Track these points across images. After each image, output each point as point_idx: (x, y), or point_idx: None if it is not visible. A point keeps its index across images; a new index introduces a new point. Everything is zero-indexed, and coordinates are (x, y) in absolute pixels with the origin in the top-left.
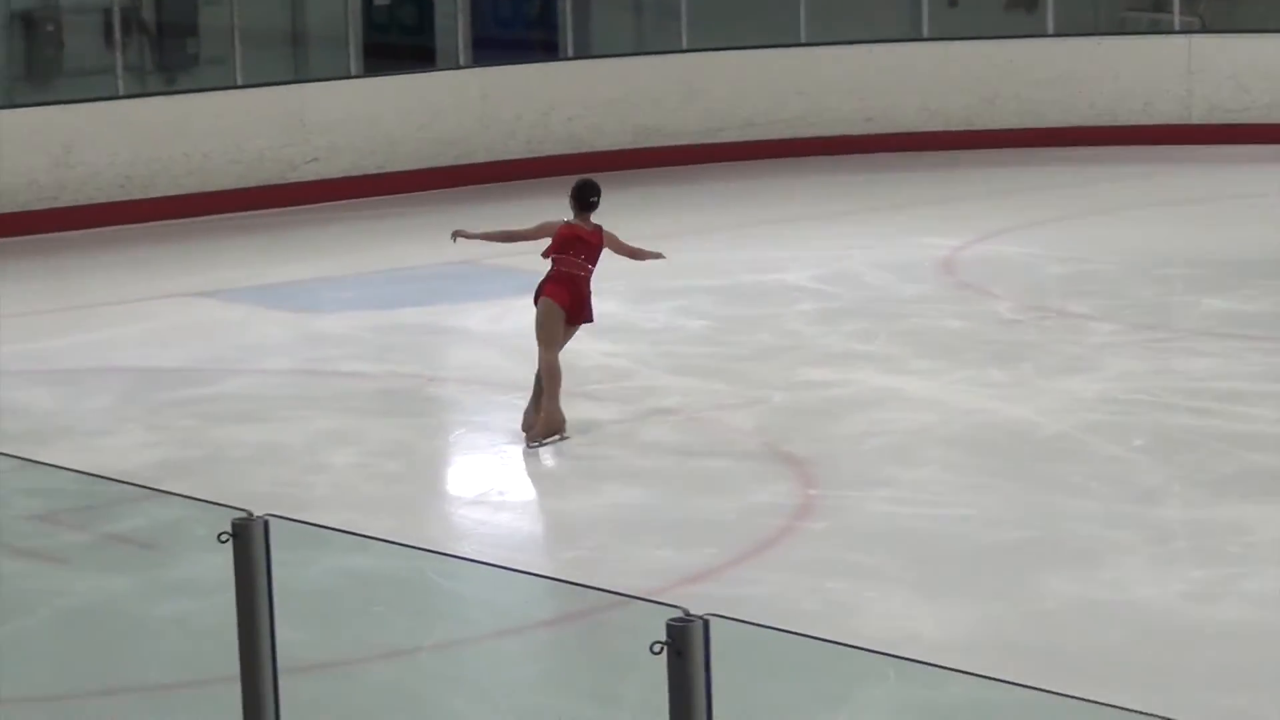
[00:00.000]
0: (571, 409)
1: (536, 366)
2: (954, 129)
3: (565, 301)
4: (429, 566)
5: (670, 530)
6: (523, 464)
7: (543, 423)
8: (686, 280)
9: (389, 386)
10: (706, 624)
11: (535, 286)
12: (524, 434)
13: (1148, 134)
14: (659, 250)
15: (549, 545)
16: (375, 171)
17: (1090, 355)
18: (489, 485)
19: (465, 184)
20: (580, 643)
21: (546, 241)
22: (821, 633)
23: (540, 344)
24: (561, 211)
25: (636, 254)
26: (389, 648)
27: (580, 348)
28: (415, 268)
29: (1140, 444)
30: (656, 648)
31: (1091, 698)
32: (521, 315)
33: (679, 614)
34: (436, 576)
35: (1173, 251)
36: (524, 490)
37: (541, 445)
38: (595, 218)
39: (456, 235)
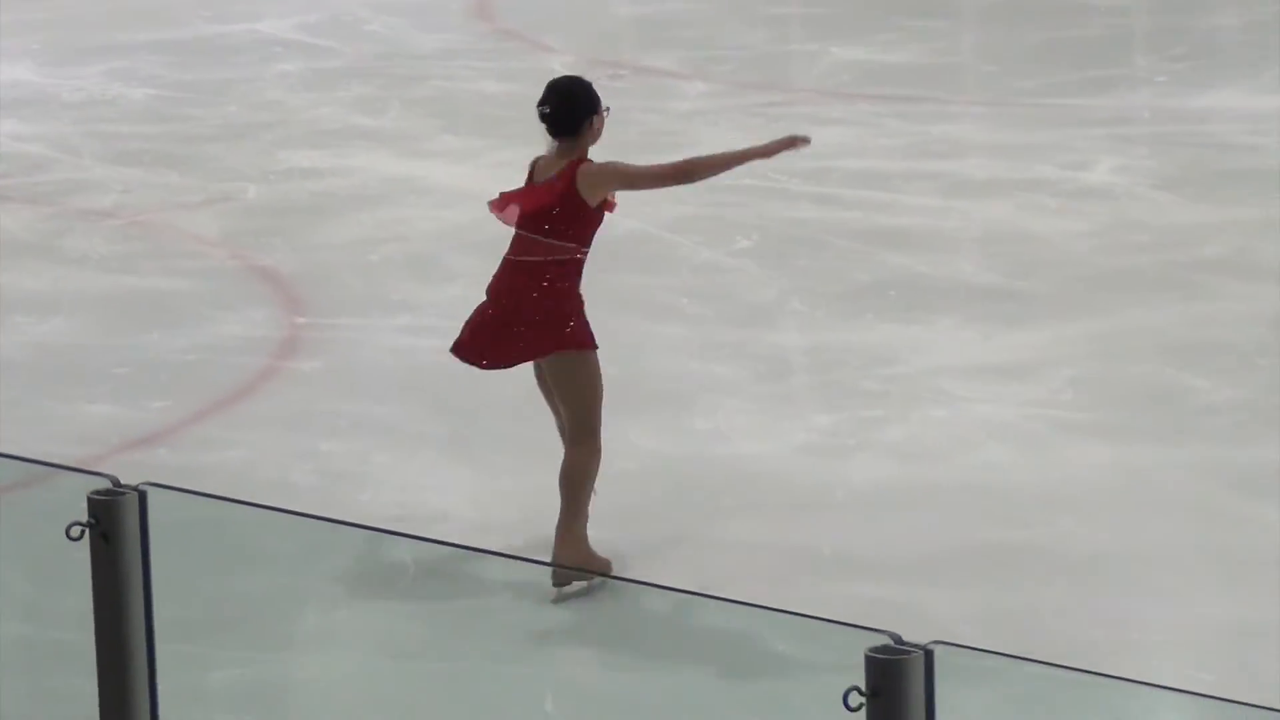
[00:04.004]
0: None
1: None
2: None
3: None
4: None
5: (106, 377)
6: None
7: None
8: (123, 33)
9: None
10: (143, 496)
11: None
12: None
13: None
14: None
15: None
16: None
17: (677, 126)
18: None
19: None
20: None
21: None
22: (318, 509)
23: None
24: None
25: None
26: None
27: None
28: None
29: (747, 245)
30: (75, 531)
31: (675, 585)
32: None
33: (105, 484)
34: None
35: None
36: None
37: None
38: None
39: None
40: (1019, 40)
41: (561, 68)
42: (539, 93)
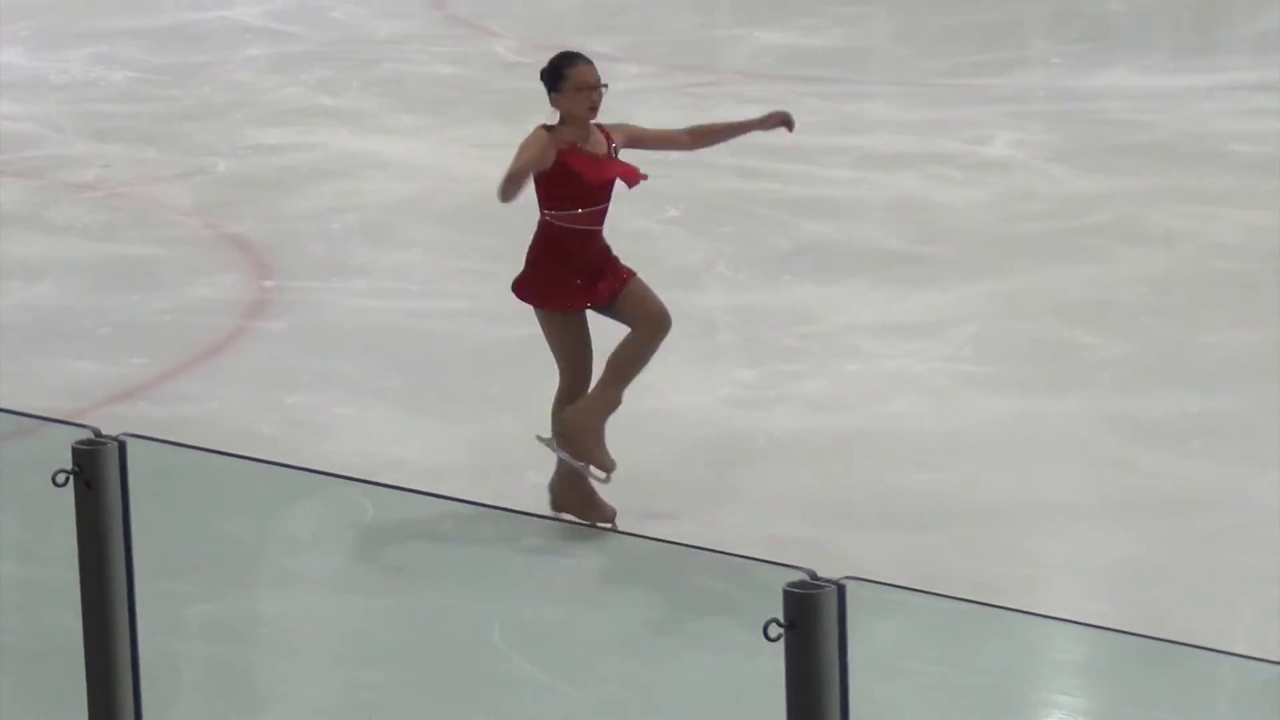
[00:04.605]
0: None
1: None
2: None
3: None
4: None
5: (90, 336)
6: None
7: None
8: (105, 20)
9: None
10: (122, 446)
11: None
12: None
13: None
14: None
15: None
16: None
17: (614, 104)
18: None
19: None
20: None
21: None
22: (284, 458)
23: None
24: None
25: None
26: None
27: None
28: None
29: (675, 214)
30: (60, 478)
31: (620, 529)
32: None
33: (88, 435)
34: None
35: None
36: None
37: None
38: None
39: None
40: (926, 26)
41: (505, 52)
42: (489, 76)
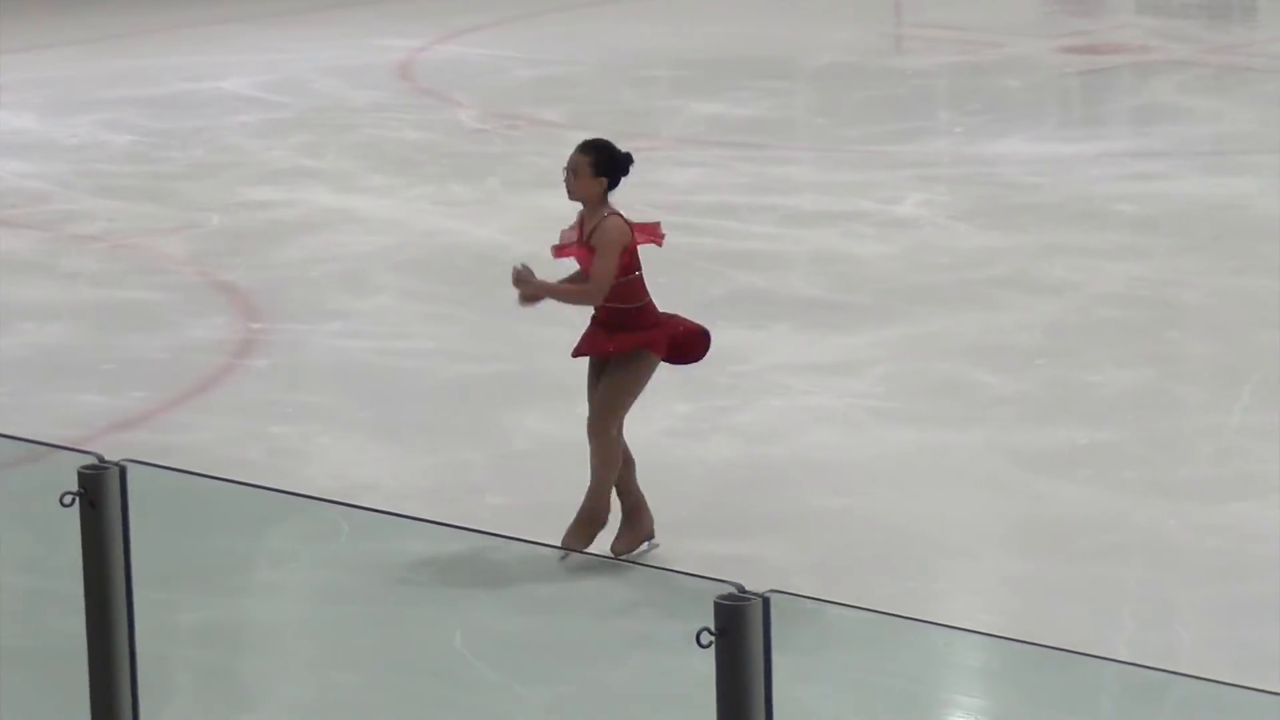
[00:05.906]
0: None
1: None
2: None
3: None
4: None
5: (95, 372)
6: None
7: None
8: (110, 90)
9: None
10: (123, 471)
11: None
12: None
13: None
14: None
15: None
16: None
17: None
18: None
19: None
20: None
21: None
22: (269, 482)
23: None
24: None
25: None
26: None
27: None
28: None
29: None
30: (67, 499)
31: (562, 546)
32: None
33: (92, 460)
34: None
35: (655, 51)
36: None
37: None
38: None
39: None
40: (843, 98)
41: (467, 119)
42: (452, 141)
